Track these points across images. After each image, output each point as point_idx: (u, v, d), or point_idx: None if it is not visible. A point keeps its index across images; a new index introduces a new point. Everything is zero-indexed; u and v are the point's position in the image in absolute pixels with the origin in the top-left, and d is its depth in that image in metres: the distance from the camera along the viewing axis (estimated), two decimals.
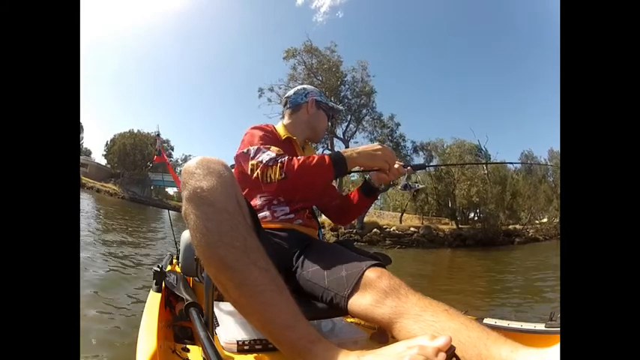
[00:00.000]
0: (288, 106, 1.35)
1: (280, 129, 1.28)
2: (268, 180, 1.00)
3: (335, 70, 18.43)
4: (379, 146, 1.11)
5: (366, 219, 17.49)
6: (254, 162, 1.04)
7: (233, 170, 1.19)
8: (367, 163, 1.09)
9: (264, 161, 1.01)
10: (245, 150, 1.09)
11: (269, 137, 1.16)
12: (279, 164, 0.99)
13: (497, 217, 19.09)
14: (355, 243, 1.23)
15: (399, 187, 1.27)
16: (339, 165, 1.02)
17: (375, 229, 16.67)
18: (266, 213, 1.13)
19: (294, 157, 1.01)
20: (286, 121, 1.33)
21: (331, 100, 1.39)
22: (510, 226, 20.16)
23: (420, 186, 1.25)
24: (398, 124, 19.76)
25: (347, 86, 18.92)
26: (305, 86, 1.36)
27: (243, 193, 1.10)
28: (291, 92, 1.37)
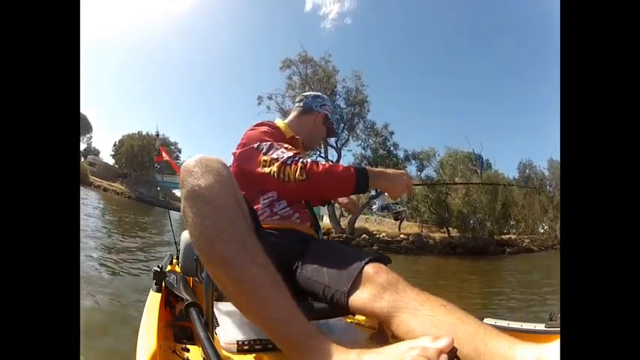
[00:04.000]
0: (301, 105, 1.33)
1: (283, 126, 1.25)
2: (286, 178, 0.97)
3: (326, 80, 18.52)
4: (404, 172, 1.10)
5: (357, 224, 17.41)
6: (267, 158, 1.02)
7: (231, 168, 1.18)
8: (388, 187, 1.06)
9: (281, 158, 0.99)
10: (255, 145, 1.07)
11: (276, 135, 1.15)
12: (300, 164, 0.97)
13: (487, 227, 18.93)
14: (323, 240, 1.21)
15: (375, 209, 1.18)
16: (362, 181, 1.00)
17: (364, 235, 16.42)
18: (267, 213, 1.11)
19: (316, 161, 0.99)
20: (292, 119, 1.32)
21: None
22: (505, 236, 19.94)
23: (401, 208, 1.15)
24: (392, 133, 19.80)
25: (339, 96, 19.00)
26: (324, 97, 1.36)
27: (243, 193, 1.10)
28: (310, 93, 1.36)
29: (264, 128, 1.16)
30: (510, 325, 0.98)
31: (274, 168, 0.99)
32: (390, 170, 1.07)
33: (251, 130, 1.16)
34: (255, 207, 1.10)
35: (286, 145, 1.06)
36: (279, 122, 1.27)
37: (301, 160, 0.98)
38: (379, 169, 1.07)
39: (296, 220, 1.13)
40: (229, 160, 0.95)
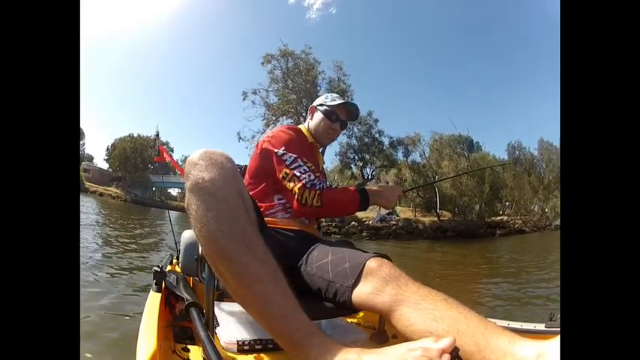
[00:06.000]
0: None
1: (305, 132, 1.30)
2: (304, 202, 1.04)
3: (305, 73, 18.61)
4: (395, 186, 1.22)
5: None
6: (289, 171, 1.07)
7: (250, 160, 1.21)
8: (384, 202, 1.18)
9: (302, 179, 1.05)
10: (280, 152, 1.10)
11: (302, 143, 1.19)
12: (317, 191, 1.04)
13: (479, 209, 18.99)
14: (332, 235, 1.26)
15: (375, 220, 1.33)
16: (364, 202, 1.11)
17: (354, 222, 16.30)
18: (280, 211, 1.13)
19: (330, 187, 1.07)
20: (305, 125, 1.35)
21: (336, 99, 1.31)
22: (497, 218, 19.91)
23: (395, 217, 1.30)
24: (376, 120, 20.03)
25: (319, 87, 19.05)
26: (321, 95, 1.38)
27: (259, 188, 1.13)
28: None
29: (293, 135, 1.18)
30: (510, 325, 0.99)
31: (296, 189, 1.05)
32: (383, 187, 1.21)
33: (281, 131, 1.18)
34: (268, 203, 1.13)
35: (309, 164, 1.09)
36: (303, 128, 1.31)
37: (319, 184, 1.06)
38: (375, 187, 1.19)
39: (304, 221, 1.16)
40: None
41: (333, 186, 1.09)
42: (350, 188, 1.12)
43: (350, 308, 0.85)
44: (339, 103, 1.28)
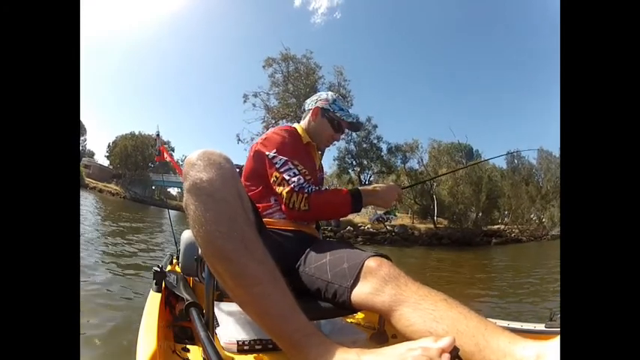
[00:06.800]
0: (304, 109, 1.36)
1: (301, 131, 1.28)
2: (292, 206, 1.04)
3: (304, 77, 18.70)
4: (393, 185, 1.20)
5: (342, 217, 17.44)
6: (278, 175, 1.06)
7: (245, 162, 1.20)
8: (380, 203, 1.16)
9: (291, 183, 1.04)
10: (271, 155, 1.09)
11: (294, 145, 1.17)
12: (305, 194, 1.03)
13: (471, 217, 19.04)
14: (327, 239, 1.25)
15: (372, 219, 1.31)
16: (357, 204, 1.09)
17: (349, 227, 16.42)
18: (277, 212, 1.12)
19: (319, 190, 1.05)
20: (302, 124, 1.32)
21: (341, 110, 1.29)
22: (495, 226, 19.94)
23: (394, 217, 1.28)
24: (375, 126, 20.08)
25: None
26: (322, 93, 1.34)
27: (256, 190, 1.13)
28: (312, 97, 1.36)
29: (286, 137, 1.15)
30: (510, 325, 1.00)
31: (284, 192, 1.04)
32: (379, 187, 1.17)
33: (274, 133, 1.17)
34: (265, 204, 1.13)
35: (300, 167, 1.08)
36: (298, 127, 1.28)
37: (308, 187, 1.04)
38: (371, 187, 1.16)
39: (304, 223, 1.15)
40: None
41: (324, 188, 1.07)
42: (342, 190, 1.10)
43: (349, 308, 0.84)
44: (350, 122, 1.28)
